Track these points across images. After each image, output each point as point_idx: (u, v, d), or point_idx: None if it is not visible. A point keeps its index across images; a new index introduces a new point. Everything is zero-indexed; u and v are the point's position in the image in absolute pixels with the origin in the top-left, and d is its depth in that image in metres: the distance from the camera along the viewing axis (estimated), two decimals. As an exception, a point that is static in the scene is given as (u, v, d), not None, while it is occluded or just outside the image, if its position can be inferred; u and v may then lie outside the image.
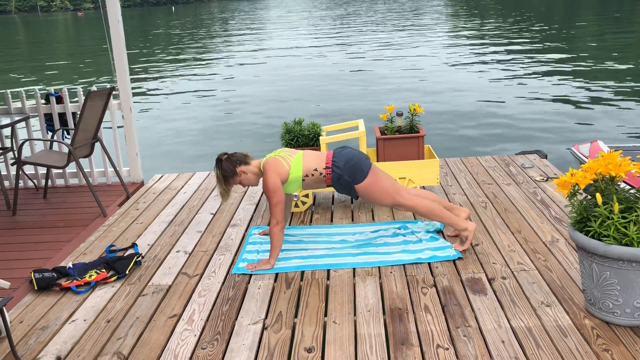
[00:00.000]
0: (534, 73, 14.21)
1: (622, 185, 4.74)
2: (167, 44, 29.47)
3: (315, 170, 3.66)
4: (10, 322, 3.12)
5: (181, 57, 22.70)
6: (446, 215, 3.67)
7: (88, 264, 3.73)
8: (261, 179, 4.23)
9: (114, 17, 5.21)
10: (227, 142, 9.46)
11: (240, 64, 19.38)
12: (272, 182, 3.57)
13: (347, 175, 3.64)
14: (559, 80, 13.13)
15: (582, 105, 10.62)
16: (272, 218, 3.53)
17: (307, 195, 4.51)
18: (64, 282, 3.50)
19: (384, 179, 3.67)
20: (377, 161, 4.65)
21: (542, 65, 15.32)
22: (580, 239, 2.71)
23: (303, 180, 3.70)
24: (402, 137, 4.51)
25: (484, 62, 16.36)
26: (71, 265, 3.68)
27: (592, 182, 2.78)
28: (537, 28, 25.92)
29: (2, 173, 5.54)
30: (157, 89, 15.26)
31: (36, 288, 3.46)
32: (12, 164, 5.05)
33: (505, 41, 21.32)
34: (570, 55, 16.77)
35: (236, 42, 28.39)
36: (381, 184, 3.65)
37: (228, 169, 3.67)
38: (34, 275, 3.53)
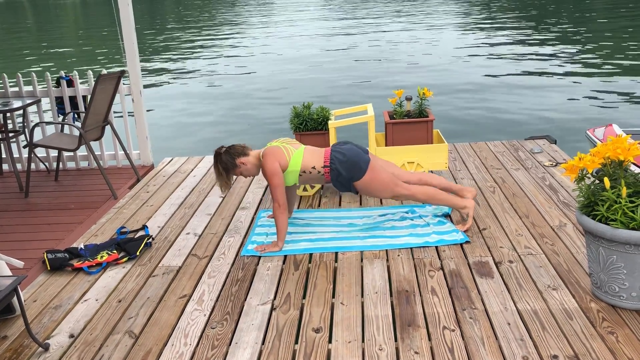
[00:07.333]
0: (553, 56, 14.07)
1: (633, 168, 4.72)
2: (176, 25, 29.42)
3: (314, 168, 3.65)
4: (25, 300, 3.19)
5: (191, 39, 22.67)
6: (445, 197, 3.72)
7: (99, 245, 3.79)
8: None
9: (124, 0, 5.22)
10: (237, 126, 9.49)
11: (250, 46, 19.33)
12: (270, 166, 3.57)
13: (345, 172, 3.62)
14: (574, 61, 13.01)
15: (599, 88, 10.52)
16: (273, 202, 3.55)
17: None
18: (76, 263, 3.55)
19: (382, 172, 3.65)
20: (386, 145, 4.66)
21: (562, 47, 15.17)
22: (587, 223, 2.71)
23: (300, 175, 3.68)
24: (411, 121, 4.52)
25: (497, 44, 16.23)
26: (83, 247, 3.74)
27: (600, 166, 2.78)
28: (553, 8, 25.64)
29: (14, 156, 5.60)
30: (166, 72, 15.28)
31: (49, 268, 3.52)
32: (24, 147, 5.11)
33: (521, 24, 21.12)
34: (589, 36, 16.58)
35: (247, 24, 28.29)
36: (380, 178, 3.64)
37: (228, 161, 3.68)
38: (46, 256, 3.59)
